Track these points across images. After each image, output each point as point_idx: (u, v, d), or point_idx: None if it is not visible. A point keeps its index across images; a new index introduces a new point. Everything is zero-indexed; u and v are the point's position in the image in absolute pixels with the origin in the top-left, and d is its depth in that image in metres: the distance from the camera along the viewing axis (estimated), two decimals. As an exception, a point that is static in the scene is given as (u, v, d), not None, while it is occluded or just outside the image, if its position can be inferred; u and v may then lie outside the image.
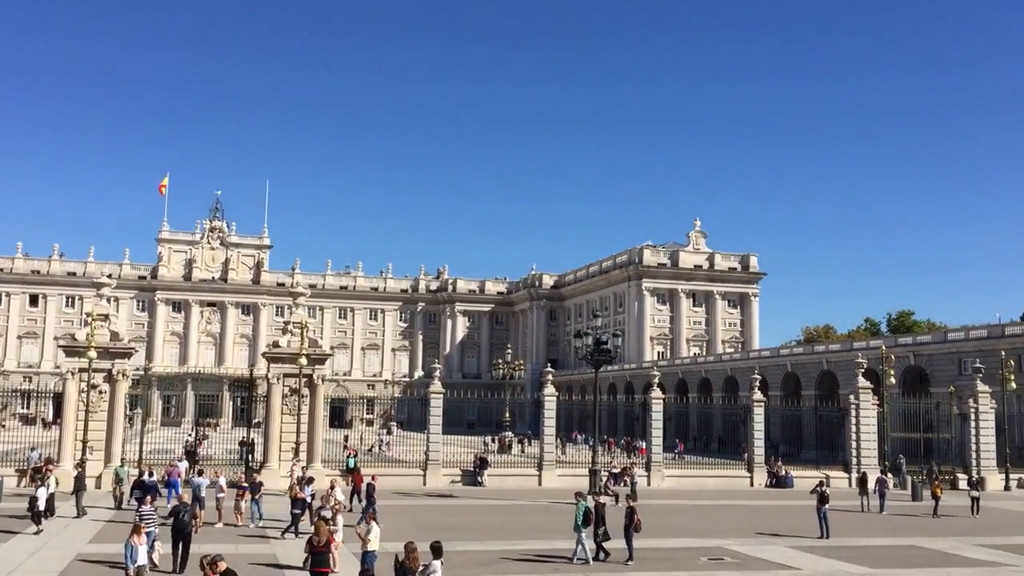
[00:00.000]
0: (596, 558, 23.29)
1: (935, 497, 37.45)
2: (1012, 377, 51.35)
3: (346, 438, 73.27)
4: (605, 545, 23.60)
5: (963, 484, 48.41)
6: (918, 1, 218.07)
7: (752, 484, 47.10)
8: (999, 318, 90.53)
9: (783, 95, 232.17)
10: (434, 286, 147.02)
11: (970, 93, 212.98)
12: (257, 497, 28.78)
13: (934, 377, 65.72)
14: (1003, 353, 53.39)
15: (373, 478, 30.52)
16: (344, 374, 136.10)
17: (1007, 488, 48.30)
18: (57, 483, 30.57)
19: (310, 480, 29.40)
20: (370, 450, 46.48)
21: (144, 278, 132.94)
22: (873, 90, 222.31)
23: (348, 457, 42.88)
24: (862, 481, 39.41)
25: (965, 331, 69.73)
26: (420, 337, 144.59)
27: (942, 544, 27.94)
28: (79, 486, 30.33)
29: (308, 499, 27.29)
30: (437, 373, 46.78)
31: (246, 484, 29.27)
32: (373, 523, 19.68)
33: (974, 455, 49.29)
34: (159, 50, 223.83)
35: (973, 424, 49.50)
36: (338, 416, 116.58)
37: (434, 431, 43.58)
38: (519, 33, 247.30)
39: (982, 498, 38.45)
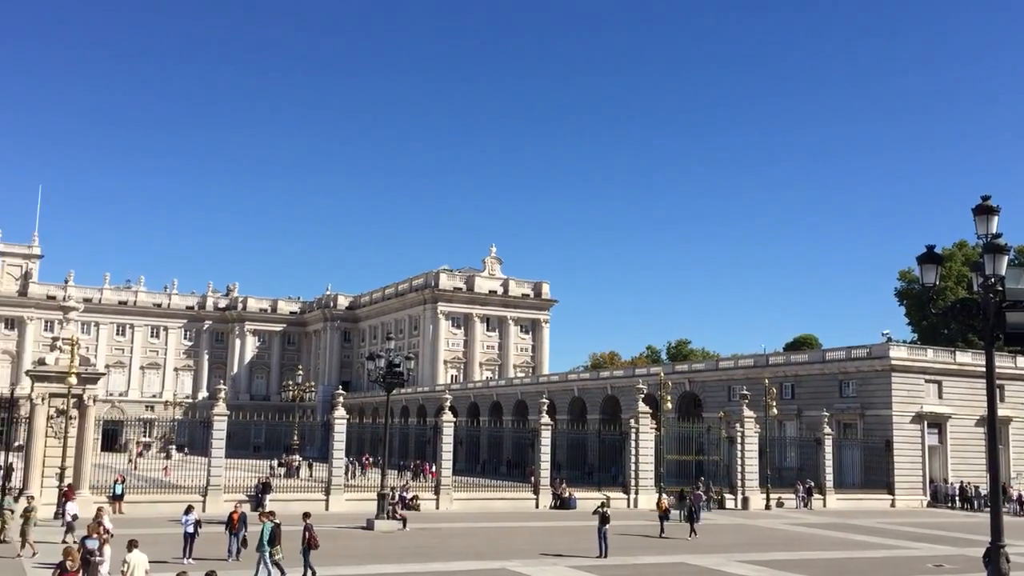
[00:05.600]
0: None
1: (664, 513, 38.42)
2: (774, 403, 55.56)
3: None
4: (281, 564, 23.17)
5: (729, 503, 51.86)
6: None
7: (538, 506, 48.20)
8: (764, 349, 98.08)
9: (575, 126, 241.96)
10: (223, 304, 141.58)
11: (755, 135, 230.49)
12: None
13: (706, 402, 70.05)
14: (767, 381, 57.72)
15: (102, 509, 27.84)
16: (120, 394, 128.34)
17: (768, 507, 51.99)
18: None
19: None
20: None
21: None
22: (658, 122, 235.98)
23: (115, 483, 40.39)
24: (681, 496, 41.87)
25: (735, 360, 74.90)
26: (206, 356, 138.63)
27: (708, 561, 29.67)
28: None
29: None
30: (222, 394, 44.94)
31: None
32: (136, 551, 18.34)
33: (739, 476, 52.79)
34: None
35: (739, 447, 53.06)
36: (112, 439, 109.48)
37: (216, 455, 41.84)
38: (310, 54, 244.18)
39: (746, 517, 41.11)
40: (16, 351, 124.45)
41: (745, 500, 52.02)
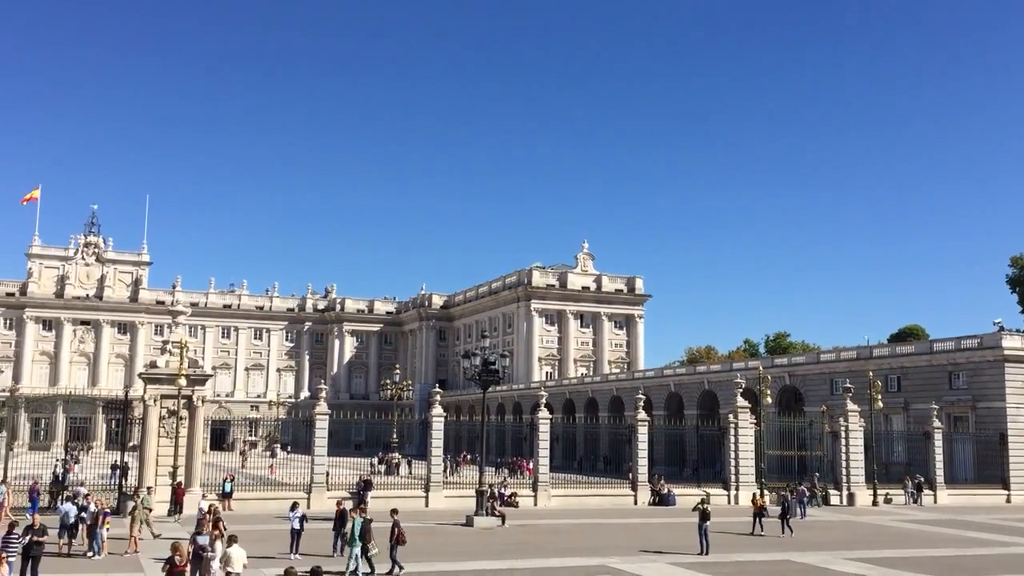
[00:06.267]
0: (367, 572, 23.08)
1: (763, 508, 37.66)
2: (879, 397, 53.85)
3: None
4: (373, 561, 23.29)
5: (834, 499, 50.54)
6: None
7: (636, 502, 47.86)
8: (867, 340, 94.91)
9: (668, 122, 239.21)
10: (322, 305, 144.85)
11: (848, 125, 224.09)
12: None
13: (808, 397, 68.39)
14: (871, 374, 55.98)
15: (214, 507, 28.88)
16: (227, 395, 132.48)
17: (875, 503, 50.45)
18: None
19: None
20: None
21: (12, 294, 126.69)
22: (753, 116, 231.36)
23: (225, 481, 41.75)
24: (792, 491, 41.06)
25: (836, 352, 72.91)
26: (307, 357, 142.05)
27: (814, 559, 28.96)
28: None
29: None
30: (323, 394, 45.96)
31: (107, 510, 28.23)
32: (235, 546, 18.98)
33: (844, 471, 51.36)
34: (26, 53, 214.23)
35: (843, 442, 51.62)
36: (220, 438, 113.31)
37: (319, 453, 42.82)
38: (414, 63, 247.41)
39: (853, 513, 39.96)
40: (129, 355, 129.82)
41: (851, 496, 50.65)
